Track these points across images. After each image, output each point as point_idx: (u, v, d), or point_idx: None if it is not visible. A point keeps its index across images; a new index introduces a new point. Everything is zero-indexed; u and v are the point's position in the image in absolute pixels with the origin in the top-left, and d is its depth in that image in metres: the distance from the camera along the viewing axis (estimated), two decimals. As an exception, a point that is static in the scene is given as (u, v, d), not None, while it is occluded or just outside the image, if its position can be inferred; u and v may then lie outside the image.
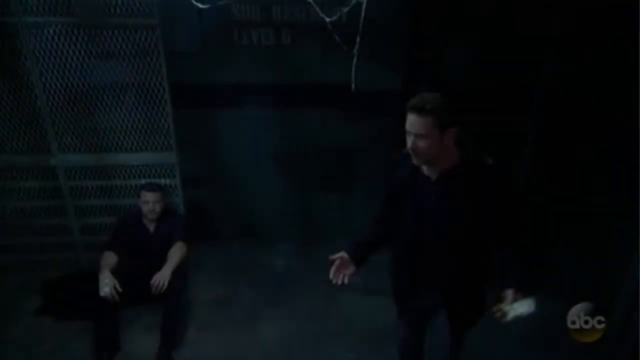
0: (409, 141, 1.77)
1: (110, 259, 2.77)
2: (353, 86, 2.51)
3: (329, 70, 3.25)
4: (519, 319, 1.93)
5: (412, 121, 1.74)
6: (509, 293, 1.91)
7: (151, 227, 2.98)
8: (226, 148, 3.50)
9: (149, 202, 2.87)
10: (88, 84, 2.94)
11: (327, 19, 2.37)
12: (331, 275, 2.10)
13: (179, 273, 2.83)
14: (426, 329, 2.29)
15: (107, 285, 2.59)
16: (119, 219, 3.06)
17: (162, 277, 2.64)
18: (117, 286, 2.58)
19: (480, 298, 2.06)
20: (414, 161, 1.83)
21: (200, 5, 2.31)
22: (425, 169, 1.87)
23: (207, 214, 3.76)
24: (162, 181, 3.16)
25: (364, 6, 2.30)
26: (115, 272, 2.68)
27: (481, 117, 3.44)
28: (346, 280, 2.10)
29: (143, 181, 3.16)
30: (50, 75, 2.87)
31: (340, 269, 2.11)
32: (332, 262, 2.11)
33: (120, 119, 3.04)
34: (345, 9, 2.40)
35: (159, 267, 2.74)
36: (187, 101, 3.31)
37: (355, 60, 2.42)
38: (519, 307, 1.92)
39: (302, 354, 2.80)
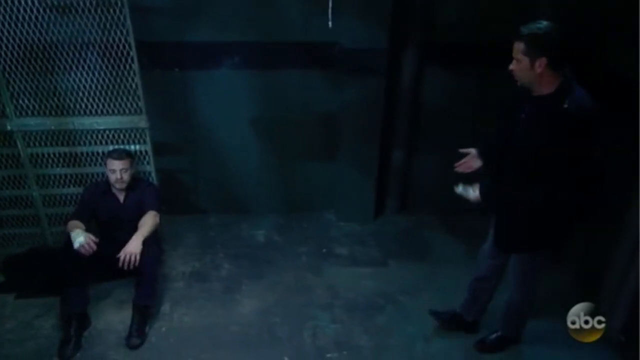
0: (512, 63, 1.93)
1: (78, 224, 2.61)
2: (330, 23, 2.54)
3: (311, 27, 3.05)
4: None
5: (514, 45, 1.89)
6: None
7: (121, 196, 2.81)
8: (201, 112, 3.29)
9: (116, 171, 2.69)
10: (45, 40, 2.67)
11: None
12: (457, 165, 2.37)
13: (153, 244, 2.67)
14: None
15: (79, 235, 2.47)
16: (86, 189, 2.87)
17: (131, 252, 2.47)
18: (93, 237, 2.47)
19: (531, 232, 2.09)
20: (518, 82, 1.98)
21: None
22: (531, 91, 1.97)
23: (182, 184, 3.56)
24: (132, 147, 2.95)
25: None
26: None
27: (473, 76, 3.33)
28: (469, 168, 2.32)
29: (111, 147, 2.94)
30: (2, 31, 2.60)
31: (468, 161, 2.34)
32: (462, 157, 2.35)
33: (83, 80, 2.79)
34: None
35: (129, 239, 2.57)
36: (157, 61, 3.09)
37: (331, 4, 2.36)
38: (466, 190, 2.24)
39: (284, 326, 2.68)
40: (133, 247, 2.49)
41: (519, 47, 1.86)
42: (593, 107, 1.83)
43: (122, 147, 2.89)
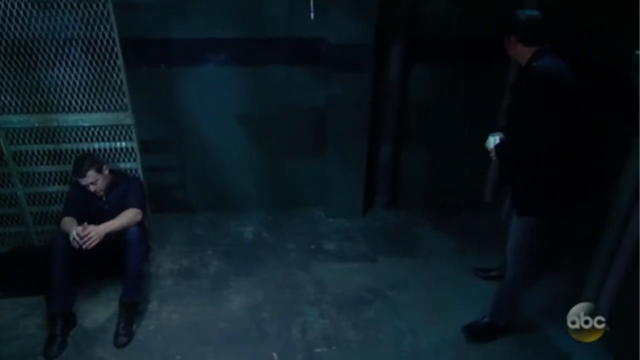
0: None
1: (71, 220, 2.60)
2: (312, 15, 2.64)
3: (297, 23, 3.04)
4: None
5: None
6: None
7: (104, 196, 2.77)
8: (188, 109, 3.26)
9: (88, 185, 2.66)
10: (27, 35, 2.63)
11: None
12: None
13: (140, 242, 2.64)
14: None
15: (74, 229, 2.47)
16: (71, 186, 2.83)
17: (87, 234, 2.45)
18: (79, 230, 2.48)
19: (535, 192, 2.24)
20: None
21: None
22: None
23: (169, 182, 3.54)
24: (118, 144, 2.92)
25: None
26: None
27: (461, 72, 3.35)
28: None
29: (96, 145, 2.91)
30: (-17, 26, 2.57)
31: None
32: None
33: (66, 76, 2.75)
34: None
35: (115, 237, 2.57)
36: (143, 58, 3.06)
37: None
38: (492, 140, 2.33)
39: (273, 322, 2.67)
40: (92, 231, 2.47)
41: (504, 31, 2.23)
42: (558, 72, 2.05)
43: (80, 156, 2.80)
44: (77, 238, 2.45)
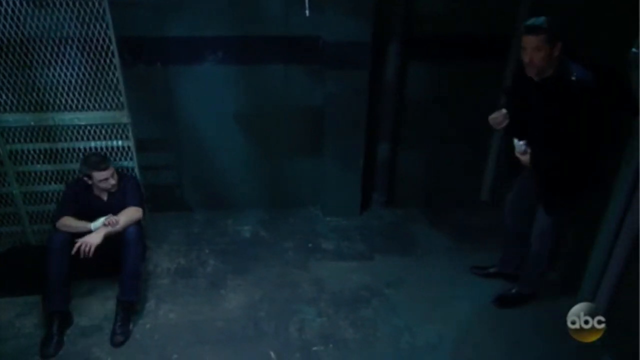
0: (525, 56, 2.17)
1: (72, 219, 2.59)
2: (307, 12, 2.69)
3: (293, 21, 3.04)
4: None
5: (528, 39, 2.14)
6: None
7: (104, 195, 2.76)
8: (184, 108, 3.26)
9: (108, 179, 2.66)
10: (22, 34, 2.63)
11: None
12: (490, 118, 2.54)
13: (137, 240, 2.64)
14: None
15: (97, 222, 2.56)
16: (68, 186, 2.82)
17: (87, 242, 2.45)
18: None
19: (570, 191, 2.36)
20: (527, 72, 2.22)
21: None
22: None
23: (166, 181, 3.53)
24: (114, 143, 2.91)
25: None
26: (70, 240, 2.49)
27: (458, 69, 3.35)
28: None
29: (92, 144, 2.91)
30: (-21, 25, 2.56)
31: (498, 117, 2.52)
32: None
33: (62, 75, 2.76)
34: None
35: (115, 236, 2.56)
36: (139, 56, 3.06)
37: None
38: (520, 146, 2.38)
39: (270, 320, 2.67)
40: (91, 238, 2.46)
41: (538, 39, 2.11)
42: (592, 77, 2.11)
43: (95, 152, 2.83)
44: (113, 220, 2.54)
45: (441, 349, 2.52)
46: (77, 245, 2.43)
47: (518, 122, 2.44)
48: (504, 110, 2.53)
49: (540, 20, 2.10)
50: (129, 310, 2.59)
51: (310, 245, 3.36)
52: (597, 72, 2.13)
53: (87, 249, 2.43)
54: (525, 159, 2.38)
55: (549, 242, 2.55)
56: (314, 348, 2.50)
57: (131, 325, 2.57)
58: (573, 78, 2.10)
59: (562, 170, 2.30)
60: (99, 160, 2.65)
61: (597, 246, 2.52)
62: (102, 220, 2.54)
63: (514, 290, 2.80)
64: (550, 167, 2.32)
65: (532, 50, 2.13)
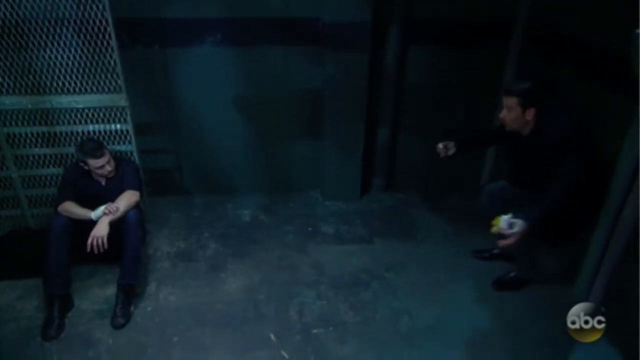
0: (501, 112, 2.40)
1: (73, 205, 2.58)
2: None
3: (292, 2, 2.99)
4: (500, 230, 2.29)
5: (504, 98, 2.36)
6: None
7: (102, 180, 2.75)
8: (183, 90, 3.22)
9: (104, 166, 2.63)
10: (17, 15, 2.58)
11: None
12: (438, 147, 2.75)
13: (137, 224, 2.63)
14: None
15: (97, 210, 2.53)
16: (66, 170, 2.80)
17: (96, 235, 2.44)
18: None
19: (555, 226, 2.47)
20: (506, 127, 2.45)
21: None
22: None
23: (165, 165, 3.51)
24: (112, 126, 2.89)
25: None
26: (70, 224, 2.51)
27: (460, 53, 3.31)
28: (442, 153, 2.74)
29: (90, 127, 2.88)
30: (-27, 7, 2.51)
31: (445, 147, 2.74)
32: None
33: (59, 57, 2.72)
34: None
35: (115, 221, 2.54)
36: (137, 38, 3.01)
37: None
38: (505, 221, 2.27)
39: (270, 303, 2.68)
40: (98, 231, 2.45)
41: (511, 100, 2.32)
42: (570, 126, 2.30)
43: (90, 138, 2.77)
44: (113, 207, 2.52)
45: (440, 332, 2.53)
46: (89, 243, 2.42)
47: (510, 164, 2.64)
48: (448, 142, 2.72)
49: (524, 84, 2.31)
50: (129, 293, 2.59)
51: (310, 229, 3.36)
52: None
53: (99, 242, 2.43)
54: (505, 243, 2.30)
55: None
56: (314, 331, 2.52)
57: (132, 308, 2.58)
58: (548, 128, 2.31)
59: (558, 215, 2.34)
60: (94, 147, 2.60)
61: (595, 236, 2.52)
62: (102, 208, 2.52)
63: (512, 274, 2.81)
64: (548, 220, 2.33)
65: (506, 108, 2.36)
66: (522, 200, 2.50)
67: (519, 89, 2.31)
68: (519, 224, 2.23)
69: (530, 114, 2.31)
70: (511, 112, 2.34)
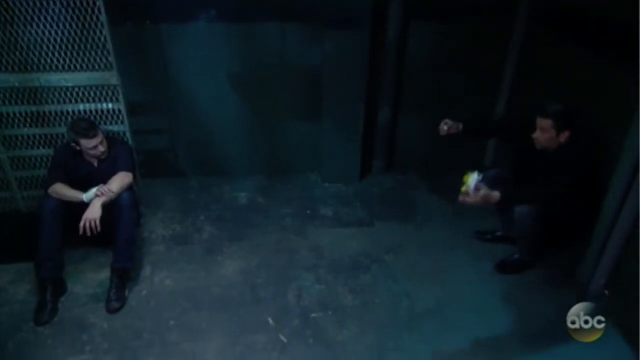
0: (535, 132, 2.46)
1: (64, 187, 2.52)
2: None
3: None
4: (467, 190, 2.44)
5: (538, 119, 2.42)
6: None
7: (94, 161, 2.67)
8: (177, 69, 3.12)
9: (97, 146, 2.55)
10: (1, -12, 2.47)
11: None
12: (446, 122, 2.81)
13: (131, 207, 2.57)
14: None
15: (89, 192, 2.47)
16: (57, 150, 2.72)
17: (89, 218, 2.37)
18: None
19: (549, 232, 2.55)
20: (537, 146, 2.50)
21: None
22: None
23: (159, 146, 3.42)
24: (104, 106, 2.79)
25: None
26: (62, 207, 2.44)
27: (462, 31, 3.21)
28: (445, 128, 2.79)
29: (81, 106, 2.78)
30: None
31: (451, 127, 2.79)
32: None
33: (47, 33, 2.60)
34: None
35: (109, 203, 2.47)
36: (128, 14, 2.89)
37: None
38: (475, 180, 2.42)
39: (268, 287, 2.64)
40: (91, 213, 2.38)
41: (546, 123, 2.39)
42: (589, 145, 2.43)
43: (82, 117, 2.69)
44: (106, 189, 2.46)
45: (440, 315, 2.50)
46: (82, 225, 2.36)
47: (520, 175, 2.66)
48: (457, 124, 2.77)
49: (558, 107, 2.37)
50: (123, 277, 2.54)
51: (309, 212, 3.30)
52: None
53: (92, 225, 2.36)
54: (475, 199, 2.42)
55: (530, 226, 2.53)
56: (313, 315, 2.47)
57: (127, 292, 2.53)
58: (576, 151, 2.37)
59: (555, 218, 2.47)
60: (87, 127, 2.52)
61: (598, 227, 2.47)
62: (94, 191, 2.45)
63: (516, 256, 2.77)
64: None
65: (540, 130, 2.42)
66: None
67: (553, 112, 2.37)
68: (486, 190, 2.41)
69: (564, 136, 2.39)
70: (545, 134, 2.40)
